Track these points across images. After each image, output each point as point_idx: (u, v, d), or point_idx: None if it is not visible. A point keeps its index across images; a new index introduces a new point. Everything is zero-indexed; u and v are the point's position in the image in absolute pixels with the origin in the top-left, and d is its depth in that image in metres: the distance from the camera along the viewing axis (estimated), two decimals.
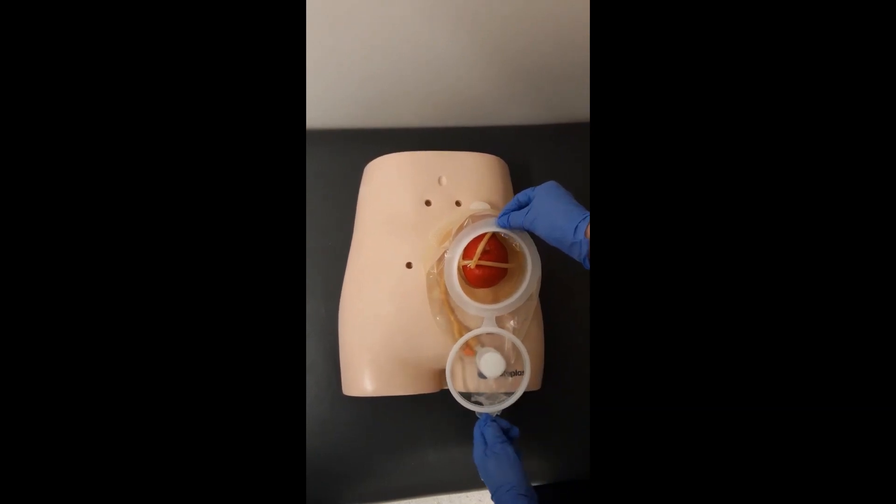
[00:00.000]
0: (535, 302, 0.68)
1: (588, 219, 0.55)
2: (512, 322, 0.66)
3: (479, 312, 0.63)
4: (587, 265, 0.55)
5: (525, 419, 0.67)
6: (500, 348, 0.64)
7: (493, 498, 0.58)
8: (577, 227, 0.55)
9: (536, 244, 0.65)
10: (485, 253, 0.64)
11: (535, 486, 0.66)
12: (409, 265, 0.68)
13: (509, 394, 0.64)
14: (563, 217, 0.56)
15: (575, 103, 0.85)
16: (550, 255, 0.65)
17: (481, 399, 0.65)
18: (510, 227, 0.63)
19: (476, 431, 0.64)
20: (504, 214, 0.63)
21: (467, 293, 0.64)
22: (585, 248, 0.54)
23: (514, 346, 0.65)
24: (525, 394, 0.65)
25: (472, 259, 0.64)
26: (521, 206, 0.62)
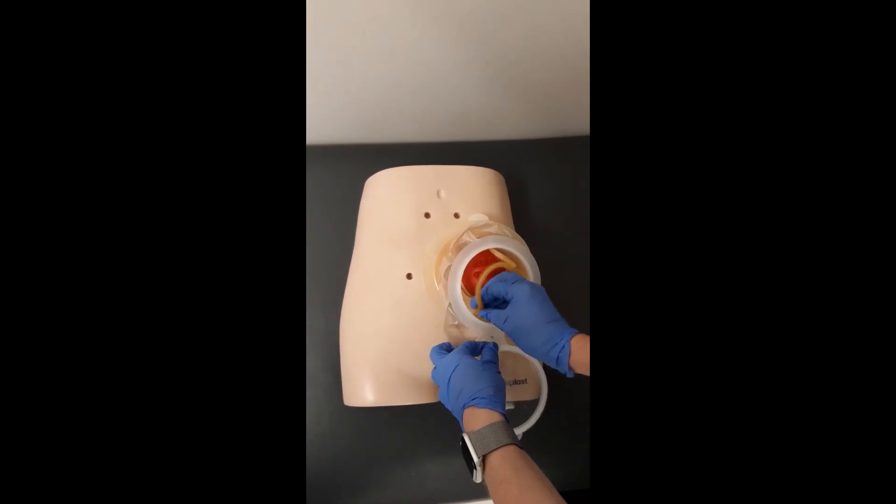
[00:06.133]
0: None
1: (567, 343, 0.54)
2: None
3: (479, 330, 0.64)
4: (569, 373, 0.55)
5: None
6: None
7: (458, 401, 0.55)
8: (557, 357, 0.54)
9: (533, 253, 0.66)
10: (482, 267, 0.65)
11: None
12: (409, 276, 0.69)
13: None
14: (541, 333, 0.56)
15: (569, 117, 0.86)
16: (548, 262, 0.66)
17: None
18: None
19: (466, 346, 0.61)
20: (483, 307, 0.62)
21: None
22: (565, 362, 0.54)
23: (514, 357, 0.66)
24: (524, 403, 0.65)
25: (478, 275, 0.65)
26: (497, 299, 0.61)
